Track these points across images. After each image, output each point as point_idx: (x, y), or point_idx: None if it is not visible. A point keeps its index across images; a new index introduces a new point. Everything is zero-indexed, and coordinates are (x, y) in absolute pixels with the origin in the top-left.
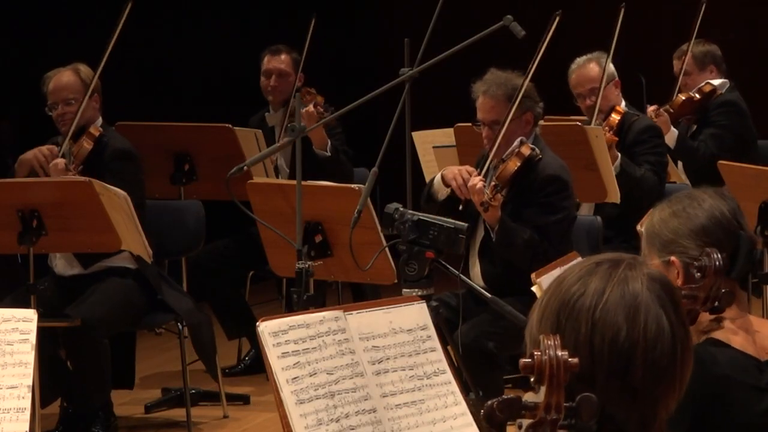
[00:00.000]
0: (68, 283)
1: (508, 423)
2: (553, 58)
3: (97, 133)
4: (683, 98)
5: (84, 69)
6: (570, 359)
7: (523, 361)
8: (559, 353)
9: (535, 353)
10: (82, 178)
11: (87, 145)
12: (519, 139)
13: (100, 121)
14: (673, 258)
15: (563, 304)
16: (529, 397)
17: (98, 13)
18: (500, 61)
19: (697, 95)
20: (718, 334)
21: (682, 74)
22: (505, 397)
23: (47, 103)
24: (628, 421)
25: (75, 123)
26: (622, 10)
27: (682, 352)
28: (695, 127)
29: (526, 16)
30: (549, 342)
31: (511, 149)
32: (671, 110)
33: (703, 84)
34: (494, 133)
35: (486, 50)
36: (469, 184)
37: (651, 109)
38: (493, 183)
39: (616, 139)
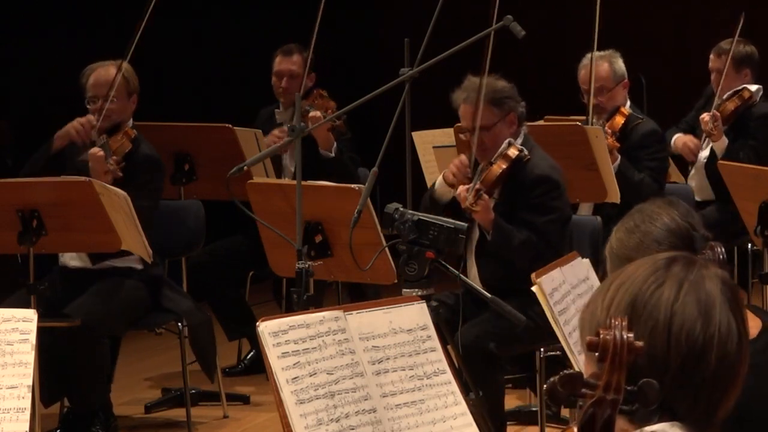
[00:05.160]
0: (73, 276)
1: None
2: (554, 58)
3: (133, 135)
4: (732, 107)
5: (126, 67)
6: (636, 342)
7: (590, 338)
8: (625, 334)
9: (601, 332)
10: (82, 178)
11: (127, 143)
12: (507, 141)
13: (131, 122)
14: None
15: (640, 292)
16: (591, 376)
17: (99, 13)
18: (500, 60)
19: (739, 101)
20: None
21: (716, 72)
22: (567, 371)
23: (86, 95)
24: (688, 416)
25: (111, 120)
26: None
27: (745, 354)
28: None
29: (526, 16)
30: (616, 322)
31: (499, 152)
32: (722, 117)
33: (741, 89)
34: (480, 140)
35: (486, 50)
36: (457, 191)
37: (707, 117)
38: (476, 188)
39: (618, 145)
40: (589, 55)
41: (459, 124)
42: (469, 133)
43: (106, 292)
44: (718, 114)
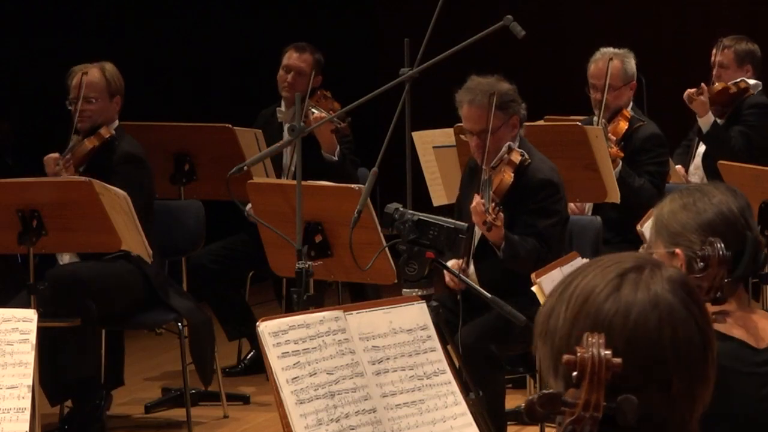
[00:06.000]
0: None
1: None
2: (554, 58)
3: (107, 135)
4: (720, 87)
5: (110, 69)
6: (613, 359)
7: (567, 356)
8: (603, 352)
9: (579, 350)
10: (82, 178)
11: (88, 143)
12: (507, 145)
13: (116, 123)
14: (677, 250)
15: (597, 323)
16: (569, 395)
17: (98, 14)
18: (500, 60)
19: (734, 88)
20: (717, 327)
21: (717, 66)
22: (545, 392)
23: (68, 96)
24: (668, 421)
25: (91, 121)
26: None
27: (711, 351)
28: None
29: (526, 16)
30: (593, 340)
31: (499, 156)
32: (710, 94)
33: (739, 80)
34: (483, 143)
35: (486, 50)
36: (472, 205)
37: (692, 90)
38: (493, 201)
39: (622, 154)
40: (602, 50)
41: (459, 125)
42: (471, 135)
43: (101, 263)
44: (705, 87)
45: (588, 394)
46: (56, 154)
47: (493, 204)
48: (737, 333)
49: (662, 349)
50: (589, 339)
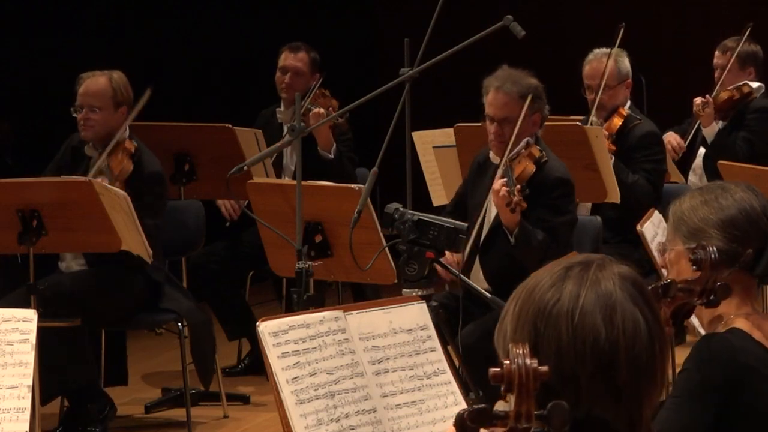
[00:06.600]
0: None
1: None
2: (554, 58)
3: (133, 149)
4: (726, 97)
5: (118, 78)
6: (540, 367)
7: (493, 370)
8: (528, 362)
9: (505, 362)
10: (82, 178)
11: (128, 164)
12: (525, 140)
13: (127, 132)
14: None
15: (539, 312)
16: (500, 405)
17: (98, 14)
18: (500, 60)
19: (737, 94)
20: (741, 325)
21: (720, 69)
22: (475, 406)
23: (75, 103)
24: (616, 421)
25: (94, 131)
26: (621, 30)
27: (660, 348)
28: (719, 125)
29: (526, 16)
30: (518, 351)
31: (517, 150)
32: (715, 105)
33: (742, 84)
34: (502, 131)
35: (486, 50)
36: (494, 187)
37: (699, 101)
38: (517, 186)
39: (614, 148)
40: (596, 51)
41: (459, 125)
42: (491, 122)
43: (95, 269)
44: (711, 99)
45: (518, 405)
46: (104, 183)
47: (518, 186)
48: (757, 336)
49: (609, 342)
50: (515, 350)
